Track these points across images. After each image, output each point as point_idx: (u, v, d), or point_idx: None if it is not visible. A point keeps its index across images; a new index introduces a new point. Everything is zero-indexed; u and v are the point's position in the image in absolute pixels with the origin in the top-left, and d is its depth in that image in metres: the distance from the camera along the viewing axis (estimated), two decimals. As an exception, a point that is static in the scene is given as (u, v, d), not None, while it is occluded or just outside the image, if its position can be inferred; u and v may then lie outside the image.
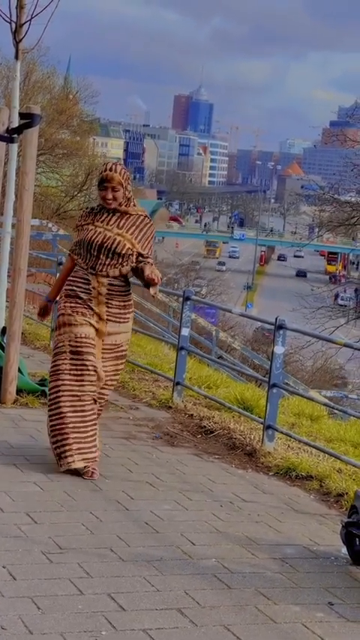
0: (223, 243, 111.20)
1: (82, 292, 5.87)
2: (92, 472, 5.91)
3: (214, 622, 4.09)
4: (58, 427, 5.87)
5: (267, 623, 4.15)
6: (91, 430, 5.91)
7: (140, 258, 5.84)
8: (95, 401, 5.95)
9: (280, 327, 7.18)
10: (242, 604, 4.32)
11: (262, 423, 7.22)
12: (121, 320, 5.93)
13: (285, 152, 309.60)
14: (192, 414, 7.97)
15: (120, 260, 5.82)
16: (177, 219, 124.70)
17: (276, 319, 7.24)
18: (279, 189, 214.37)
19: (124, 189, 5.91)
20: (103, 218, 5.94)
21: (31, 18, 7.62)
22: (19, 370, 7.74)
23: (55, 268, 11.60)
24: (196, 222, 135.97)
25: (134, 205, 5.97)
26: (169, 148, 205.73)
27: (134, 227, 5.89)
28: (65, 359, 5.86)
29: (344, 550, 5.08)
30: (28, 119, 7.64)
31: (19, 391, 7.74)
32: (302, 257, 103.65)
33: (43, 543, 4.77)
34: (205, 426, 7.60)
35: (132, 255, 5.82)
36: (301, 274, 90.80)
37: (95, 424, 5.96)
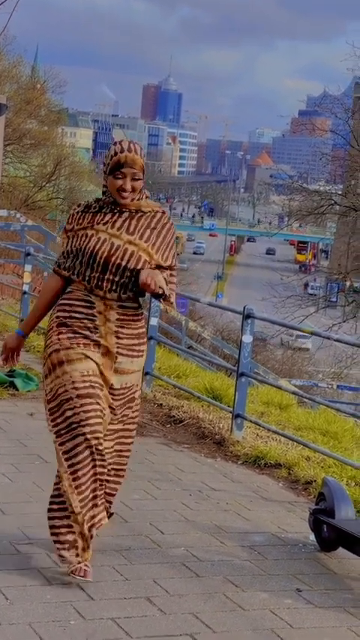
0: (188, 240, 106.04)
1: (84, 320, 4.27)
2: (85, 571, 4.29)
3: (183, 610, 4.11)
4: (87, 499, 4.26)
5: (235, 610, 4.18)
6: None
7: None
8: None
9: (248, 316, 7.20)
10: (211, 592, 4.34)
11: (231, 412, 7.25)
12: (134, 354, 4.34)
13: (254, 142, 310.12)
14: (161, 404, 7.98)
15: (133, 277, 4.26)
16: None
17: (244, 308, 7.26)
18: (248, 178, 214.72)
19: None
20: (106, 219, 4.31)
21: (-4, 7, 7.54)
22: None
23: (23, 259, 11.55)
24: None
25: (147, 198, 4.40)
26: (138, 137, 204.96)
27: (150, 230, 4.32)
28: (72, 407, 4.19)
29: (312, 537, 5.12)
30: (-7, 109, 7.59)
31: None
32: (274, 254, 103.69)
33: (12, 534, 4.77)
34: (174, 416, 7.62)
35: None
36: (270, 252, 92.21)
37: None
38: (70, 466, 4.21)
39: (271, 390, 9.08)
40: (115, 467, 4.46)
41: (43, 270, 16.63)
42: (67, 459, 4.22)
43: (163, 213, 4.39)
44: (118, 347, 4.28)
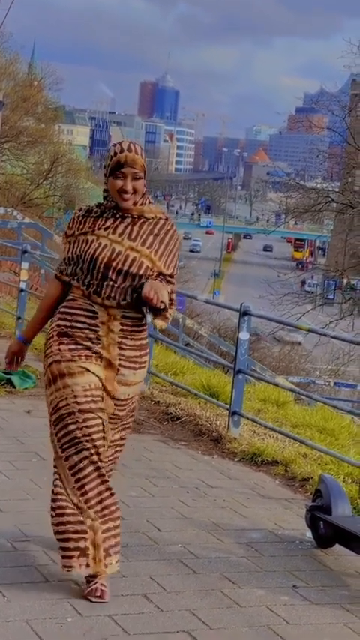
0: (184, 239, 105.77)
1: (86, 330, 4.15)
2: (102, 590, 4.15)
3: (180, 607, 4.12)
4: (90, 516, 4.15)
5: (232, 606, 4.19)
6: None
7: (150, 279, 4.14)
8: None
9: (245, 313, 7.21)
10: (207, 588, 4.35)
11: (228, 410, 7.26)
12: (137, 366, 4.23)
13: (251, 139, 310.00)
14: (158, 401, 7.99)
15: (134, 284, 4.13)
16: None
17: (241, 305, 7.27)
18: (245, 176, 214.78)
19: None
20: (107, 224, 4.20)
21: (-7, 4, 7.53)
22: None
23: (20, 257, 11.55)
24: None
25: (150, 203, 4.27)
26: (136, 135, 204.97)
27: (152, 237, 4.19)
28: (75, 422, 4.12)
29: (309, 534, 5.13)
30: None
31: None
32: (271, 251, 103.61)
33: (9, 532, 4.77)
34: (171, 413, 7.62)
35: (150, 277, 4.14)
36: (267, 249, 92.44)
37: None
38: (77, 481, 4.12)
39: (268, 387, 9.10)
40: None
41: (39, 267, 16.64)
42: (73, 474, 4.13)
43: (167, 219, 4.26)
44: (120, 359, 4.16)
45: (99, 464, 4.14)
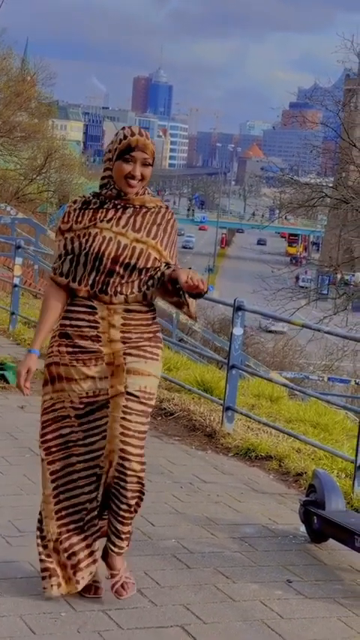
0: (177, 235, 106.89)
1: (86, 328, 3.90)
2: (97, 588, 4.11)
3: (174, 601, 4.12)
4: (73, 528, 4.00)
5: (226, 601, 4.20)
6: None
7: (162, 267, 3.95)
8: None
9: (238, 308, 7.21)
10: (201, 583, 4.36)
11: (221, 405, 7.26)
12: (147, 355, 3.94)
13: (245, 134, 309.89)
14: (152, 397, 7.98)
15: (142, 277, 3.91)
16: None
17: (234, 301, 7.27)
18: (239, 171, 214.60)
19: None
20: (109, 216, 3.93)
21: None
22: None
23: (13, 252, 11.54)
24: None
25: (149, 194, 4.05)
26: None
27: (156, 227, 3.97)
28: (70, 425, 3.93)
29: (302, 528, 5.14)
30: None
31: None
32: (265, 244, 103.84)
33: (3, 527, 4.78)
34: (165, 408, 7.62)
35: (159, 269, 3.92)
36: (261, 243, 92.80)
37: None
38: (55, 488, 3.94)
39: (262, 382, 9.10)
40: (130, 493, 3.96)
41: (33, 263, 16.63)
42: (53, 481, 3.94)
43: (167, 208, 4.04)
44: (125, 351, 3.88)
45: (89, 473, 3.93)
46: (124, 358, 3.88)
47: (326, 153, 36.01)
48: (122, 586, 4.03)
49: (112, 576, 4.04)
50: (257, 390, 8.97)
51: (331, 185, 31.30)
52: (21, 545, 4.56)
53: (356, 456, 5.80)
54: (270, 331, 37.30)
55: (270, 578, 4.52)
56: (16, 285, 11.19)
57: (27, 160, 43.46)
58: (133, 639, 3.76)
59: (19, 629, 3.73)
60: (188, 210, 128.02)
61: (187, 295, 3.81)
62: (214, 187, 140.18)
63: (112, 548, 4.01)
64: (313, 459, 6.48)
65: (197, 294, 3.78)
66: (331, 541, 4.97)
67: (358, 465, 5.77)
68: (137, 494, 3.97)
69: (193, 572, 4.48)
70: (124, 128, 4.00)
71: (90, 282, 3.89)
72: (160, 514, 5.24)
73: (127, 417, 3.87)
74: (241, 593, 4.30)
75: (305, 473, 6.18)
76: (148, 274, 3.89)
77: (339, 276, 30.60)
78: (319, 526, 4.97)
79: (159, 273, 3.89)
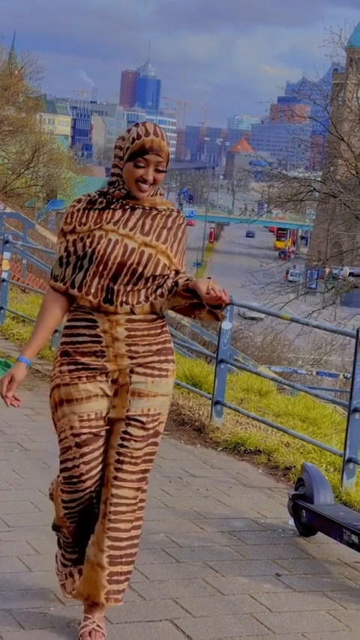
0: None
1: (88, 343, 3.56)
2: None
3: (163, 595, 4.13)
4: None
5: (215, 595, 4.20)
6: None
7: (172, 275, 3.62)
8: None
9: (227, 302, 7.20)
10: (190, 577, 4.36)
11: (210, 399, 7.27)
12: (155, 372, 3.63)
13: (233, 128, 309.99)
14: (141, 391, 7.98)
15: (150, 285, 3.57)
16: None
17: (223, 295, 7.26)
18: (228, 165, 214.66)
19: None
20: (116, 217, 3.59)
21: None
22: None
23: (1, 247, 11.51)
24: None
25: (161, 195, 3.70)
26: (117, 124, 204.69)
27: (167, 231, 3.63)
28: (75, 457, 3.60)
29: (291, 522, 5.16)
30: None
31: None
32: (253, 237, 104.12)
33: (-9, 522, 4.77)
34: (153, 403, 7.61)
35: (168, 276, 3.60)
36: (250, 235, 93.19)
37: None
38: (65, 515, 3.72)
39: (251, 376, 9.10)
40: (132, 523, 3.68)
41: (21, 258, 16.58)
42: (64, 508, 3.70)
43: (179, 212, 3.69)
44: (131, 367, 3.57)
45: (90, 509, 3.68)
46: (130, 377, 3.58)
47: (314, 147, 36.09)
48: (89, 633, 3.67)
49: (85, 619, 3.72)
50: (246, 384, 8.98)
51: (319, 179, 31.36)
52: (9, 540, 4.56)
53: (345, 449, 5.81)
54: (247, 317, 37.15)
55: (259, 571, 4.53)
56: (4, 280, 11.17)
57: (15, 154, 43.34)
58: (123, 634, 3.76)
59: (8, 624, 3.73)
60: (181, 205, 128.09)
61: (208, 307, 3.51)
62: (203, 182, 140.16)
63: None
64: (301, 453, 6.49)
65: (218, 305, 3.48)
66: (319, 534, 4.99)
67: (346, 458, 5.79)
68: (127, 533, 3.65)
69: (183, 566, 4.49)
70: (137, 125, 3.61)
71: (92, 290, 3.54)
72: (149, 508, 5.22)
73: (125, 442, 3.60)
74: (230, 586, 4.31)
75: (294, 467, 6.20)
76: (156, 282, 3.56)
77: (327, 270, 30.65)
78: (308, 520, 4.98)
79: (169, 282, 3.58)
